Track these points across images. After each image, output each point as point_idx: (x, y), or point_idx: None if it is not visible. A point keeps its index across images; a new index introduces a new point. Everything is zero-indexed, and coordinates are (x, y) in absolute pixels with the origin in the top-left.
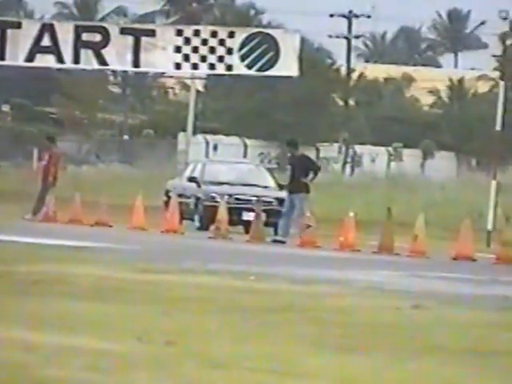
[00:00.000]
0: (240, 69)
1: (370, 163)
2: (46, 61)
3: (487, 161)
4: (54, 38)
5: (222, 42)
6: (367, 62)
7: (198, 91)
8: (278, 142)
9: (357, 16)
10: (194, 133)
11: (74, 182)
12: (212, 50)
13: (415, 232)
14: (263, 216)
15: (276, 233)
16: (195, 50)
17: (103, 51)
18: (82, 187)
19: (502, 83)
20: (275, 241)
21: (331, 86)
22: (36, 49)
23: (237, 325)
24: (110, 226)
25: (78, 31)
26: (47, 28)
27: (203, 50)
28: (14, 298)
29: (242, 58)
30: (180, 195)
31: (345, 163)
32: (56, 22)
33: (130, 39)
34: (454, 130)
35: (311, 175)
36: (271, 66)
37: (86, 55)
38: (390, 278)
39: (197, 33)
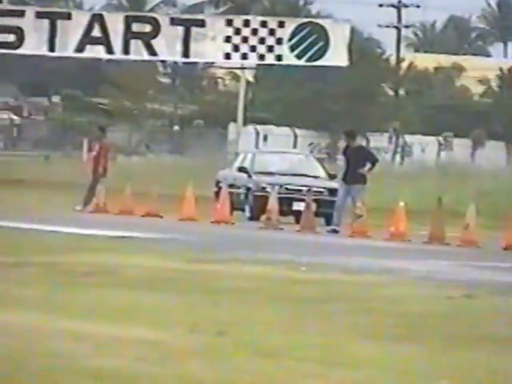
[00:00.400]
0: (290, 59)
1: (420, 153)
2: (96, 51)
3: None
4: (103, 29)
5: (271, 32)
6: (417, 51)
7: (247, 81)
8: (328, 132)
9: (406, 6)
10: (245, 123)
11: (124, 172)
12: (262, 41)
13: (466, 221)
14: (314, 206)
15: (327, 223)
16: (245, 40)
17: (153, 42)
18: (132, 178)
19: None
20: (331, 231)
21: (381, 76)
22: (86, 40)
23: (288, 315)
24: (161, 217)
25: (128, 22)
26: (97, 19)
27: (253, 41)
28: (65, 289)
29: (292, 48)
30: (230, 185)
31: (395, 153)
32: (106, 12)
33: (179, 29)
34: (505, 119)
35: (368, 166)
36: (321, 56)
37: (136, 46)
38: (441, 267)
39: (246, 23)
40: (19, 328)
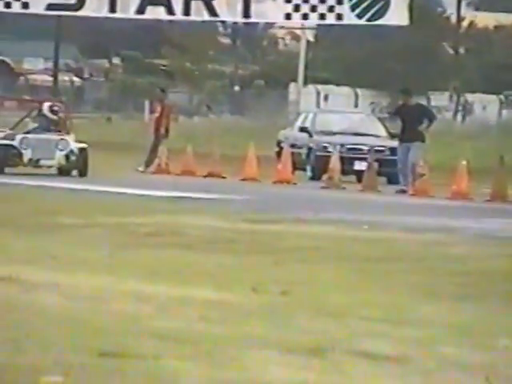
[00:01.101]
0: (350, 18)
1: (482, 111)
2: (157, 13)
3: None
4: None
5: None
6: (477, 10)
7: (308, 41)
8: (388, 91)
9: None
10: (305, 83)
11: (185, 133)
12: (322, 0)
13: None
14: (375, 165)
15: (389, 182)
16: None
17: (214, 2)
18: (193, 139)
19: None
20: (399, 191)
21: (441, 35)
22: (147, 1)
23: (350, 274)
24: (223, 177)
25: None
26: None
27: (313, 0)
28: (128, 250)
29: (353, 8)
30: (292, 145)
31: (456, 111)
32: None
33: None
34: None
35: (426, 123)
36: (381, 16)
37: (197, 6)
38: (503, 225)
39: None
40: (84, 289)
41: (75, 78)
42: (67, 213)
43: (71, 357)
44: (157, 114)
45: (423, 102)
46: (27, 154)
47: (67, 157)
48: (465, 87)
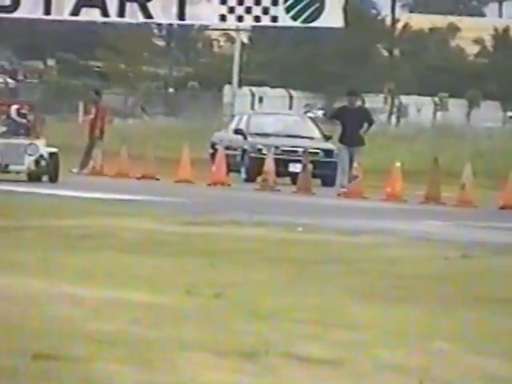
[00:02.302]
0: (285, 20)
1: (416, 113)
2: (92, 15)
3: None
4: None
5: None
6: (412, 12)
7: (243, 43)
8: (323, 93)
9: None
10: (240, 85)
11: (120, 135)
12: (257, 2)
13: (462, 181)
14: (310, 167)
15: (324, 184)
16: (240, 1)
17: (148, 4)
18: (128, 140)
19: None
20: (340, 194)
21: (376, 37)
22: (81, 3)
23: (285, 276)
24: (157, 179)
25: None
26: None
27: (248, 2)
28: (62, 252)
29: (287, 10)
30: (226, 147)
31: (390, 114)
32: None
33: None
34: (500, 79)
35: (365, 127)
36: (316, 18)
37: (132, 8)
38: (438, 227)
39: None
40: (17, 292)
41: (9, 80)
42: (1, 215)
43: (4, 359)
44: (91, 116)
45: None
46: None
47: (37, 162)
48: (399, 89)
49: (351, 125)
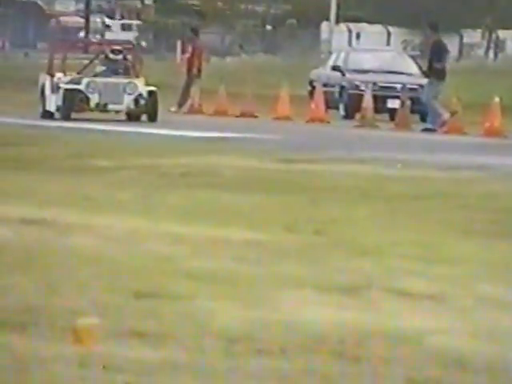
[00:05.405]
0: None
1: None
2: None
3: None
4: None
5: None
6: None
7: None
8: (421, 29)
9: None
10: (337, 22)
11: (218, 73)
12: None
13: None
14: (408, 103)
15: (422, 120)
16: None
17: None
18: (226, 78)
19: None
20: (426, 129)
21: None
22: None
23: (385, 212)
24: (256, 117)
25: None
26: None
27: None
28: (162, 191)
29: None
30: (324, 84)
31: (488, 48)
32: None
33: None
34: None
35: (443, 60)
36: None
37: None
38: None
39: None
40: (118, 231)
41: (107, 20)
42: (100, 155)
43: (107, 298)
44: (188, 55)
45: (456, 39)
46: (94, 99)
47: (136, 101)
48: (497, 24)
49: (434, 57)
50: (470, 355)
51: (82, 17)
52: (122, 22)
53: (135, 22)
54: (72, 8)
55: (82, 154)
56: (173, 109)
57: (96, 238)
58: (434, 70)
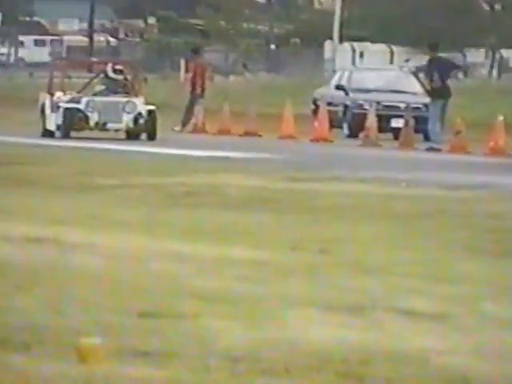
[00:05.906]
0: None
1: None
2: None
3: None
4: None
5: None
6: None
7: None
8: (424, 47)
9: None
10: (341, 41)
11: (221, 92)
12: None
13: None
14: (412, 122)
15: (426, 139)
16: None
17: None
18: (230, 97)
19: None
20: (430, 148)
21: None
22: None
23: (389, 231)
24: (260, 136)
25: None
26: None
27: None
28: (166, 210)
29: None
30: (328, 103)
31: (492, 68)
32: None
33: None
34: None
35: (457, 73)
36: None
37: None
38: None
39: None
40: (121, 250)
41: (110, 39)
42: (103, 174)
43: (110, 317)
44: (191, 74)
45: (459, 58)
46: (94, 118)
47: (135, 120)
48: (500, 43)
49: (439, 76)
50: (474, 374)
51: (85, 36)
52: (35, 37)
53: (49, 38)
54: (75, 27)
55: (85, 173)
56: (177, 128)
57: (100, 256)
58: (432, 89)
